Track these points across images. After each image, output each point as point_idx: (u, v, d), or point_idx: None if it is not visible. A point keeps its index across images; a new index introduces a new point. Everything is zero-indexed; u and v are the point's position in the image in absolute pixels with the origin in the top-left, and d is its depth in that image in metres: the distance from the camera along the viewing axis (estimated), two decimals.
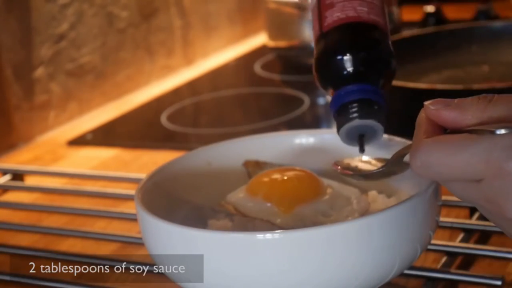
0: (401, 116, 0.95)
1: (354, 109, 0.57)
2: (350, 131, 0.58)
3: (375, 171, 0.59)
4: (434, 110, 0.49)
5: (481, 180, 0.46)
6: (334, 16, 0.59)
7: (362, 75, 0.58)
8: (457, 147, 0.46)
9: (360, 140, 0.58)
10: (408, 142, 0.65)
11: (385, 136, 0.67)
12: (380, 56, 0.59)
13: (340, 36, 0.59)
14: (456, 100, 0.49)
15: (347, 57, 0.58)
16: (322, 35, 0.60)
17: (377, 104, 0.57)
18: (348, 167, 0.62)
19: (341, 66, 0.58)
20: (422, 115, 0.50)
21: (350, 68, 0.58)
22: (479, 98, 0.48)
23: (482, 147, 0.45)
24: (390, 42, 0.60)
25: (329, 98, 0.60)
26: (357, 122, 0.57)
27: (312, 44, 0.61)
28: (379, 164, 0.60)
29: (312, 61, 0.61)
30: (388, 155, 0.65)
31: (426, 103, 0.50)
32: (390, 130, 0.71)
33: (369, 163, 0.62)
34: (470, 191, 0.47)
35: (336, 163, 0.63)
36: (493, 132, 0.44)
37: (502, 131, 0.44)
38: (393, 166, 0.58)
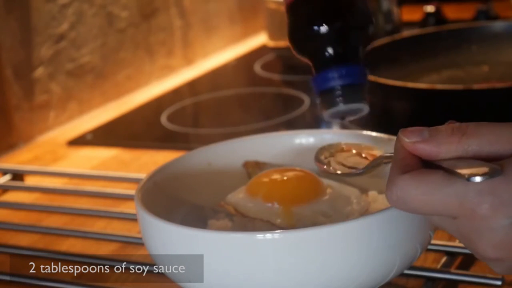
0: (400, 116, 0.95)
1: (338, 95, 0.57)
2: (335, 114, 0.58)
3: (353, 173, 0.59)
4: (409, 143, 0.49)
5: (456, 218, 0.47)
6: None
7: (345, 53, 0.57)
8: (432, 186, 0.46)
9: (342, 119, 0.59)
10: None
11: (385, 136, 0.67)
12: (364, 26, 0.58)
13: (323, 6, 0.58)
14: (429, 131, 0.49)
15: (325, 30, 0.57)
16: (299, 0, 0.58)
17: (358, 86, 0.57)
18: (329, 164, 0.62)
19: (320, 41, 0.57)
20: (398, 144, 0.50)
21: (331, 45, 0.57)
22: (453, 130, 0.48)
23: (456, 190, 0.45)
24: (365, 3, 0.59)
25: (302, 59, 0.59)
26: (341, 107, 0.57)
27: None
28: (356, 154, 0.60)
29: (287, 29, 0.59)
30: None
31: (400, 134, 0.49)
32: (390, 130, 0.71)
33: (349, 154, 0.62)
34: (447, 224, 0.48)
35: (318, 160, 0.62)
36: (467, 179, 0.44)
37: (476, 179, 0.44)
38: (373, 169, 0.58)
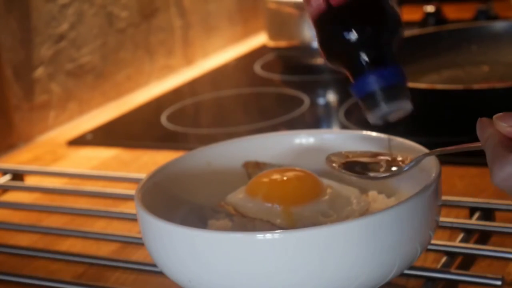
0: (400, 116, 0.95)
1: (380, 97, 0.57)
2: (379, 115, 0.58)
3: (384, 176, 0.61)
4: (508, 127, 0.50)
5: None
6: None
7: (382, 56, 0.58)
8: None
9: (388, 121, 0.60)
10: (410, 142, 0.65)
11: (385, 136, 0.68)
12: (396, 29, 0.59)
13: (356, 15, 0.58)
14: None
15: (360, 38, 0.57)
16: (330, 10, 0.58)
17: (398, 85, 0.58)
18: (345, 165, 0.63)
19: (360, 48, 0.58)
20: (490, 130, 0.51)
21: (365, 51, 0.58)
22: None
23: None
24: (393, 6, 0.59)
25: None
26: (385, 108, 0.57)
27: (313, 43, 0.61)
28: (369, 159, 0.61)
29: (319, 39, 0.59)
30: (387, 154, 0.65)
31: (496, 120, 0.51)
32: (390, 130, 0.71)
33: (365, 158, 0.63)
34: None
35: (331, 160, 0.63)
36: None
37: None
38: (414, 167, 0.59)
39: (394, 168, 0.62)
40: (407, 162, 0.61)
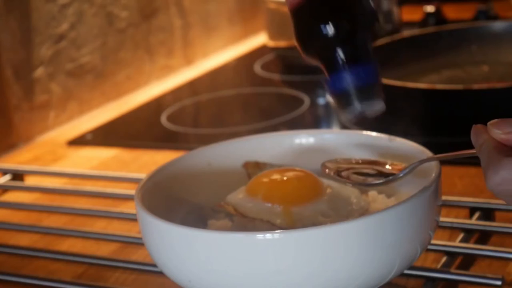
0: (401, 116, 0.95)
1: (354, 95, 0.57)
2: (352, 113, 0.58)
3: (378, 183, 0.62)
4: (502, 134, 0.50)
5: None
6: None
7: (357, 54, 0.58)
8: None
9: (360, 118, 0.60)
10: (410, 142, 0.66)
11: (385, 136, 0.68)
12: (373, 26, 0.59)
13: (333, 7, 0.58)
14: None
15: (336, 32, 0.57)
16: (307, 2, 0.58)
17: (372, 84, 0.57)
18: (342, 172, 0.63)
19: (336, 44, 0.57)
20: (485, 136, 0.51)
21: (341, 46, 0.57)
22: None
23: None
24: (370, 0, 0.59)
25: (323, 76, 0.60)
26: (358, 107, 0.57)
27: None
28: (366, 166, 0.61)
29: (295, 32, 0.59)
30: (387, 155, 0.66)
31: (491, 127, 0.51)
32: (390, 130, 0.71)
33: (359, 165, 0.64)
34: None
35: (326, 167, 0.64)
36: None
37: None
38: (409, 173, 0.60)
39: (388, 174, 0.62)
40: (401, 168, 0.61)
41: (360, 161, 0.65)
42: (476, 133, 0.52)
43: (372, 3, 0.59)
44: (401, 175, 0.61)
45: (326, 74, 0.59)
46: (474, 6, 1.45)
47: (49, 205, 0.88)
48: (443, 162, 0.61)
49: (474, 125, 0.53)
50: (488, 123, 0.52)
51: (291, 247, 0.53)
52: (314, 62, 0.60)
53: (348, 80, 0.57)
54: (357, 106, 0.58)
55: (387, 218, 0.54)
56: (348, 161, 0.65)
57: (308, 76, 1.27)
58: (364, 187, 0.64)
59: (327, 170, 0.64)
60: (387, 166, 0.63)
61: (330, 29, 0.57)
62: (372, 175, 0.63)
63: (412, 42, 1.16)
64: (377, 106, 0.58)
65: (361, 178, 0.63)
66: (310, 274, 0.53)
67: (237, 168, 0.70)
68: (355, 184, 0.63)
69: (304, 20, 0.59)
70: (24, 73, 1.12)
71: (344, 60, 0.57)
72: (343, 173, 0.64)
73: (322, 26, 0.57)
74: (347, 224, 0.53)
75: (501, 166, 0.48)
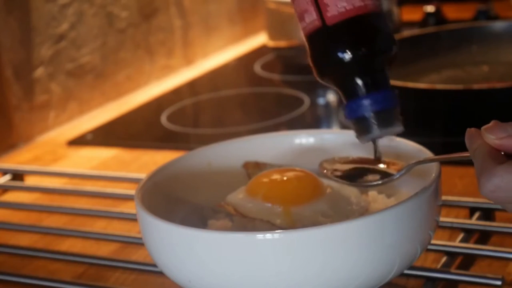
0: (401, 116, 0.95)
1: (373, 121, 0.57)
2: (371, 138, 0.58)
3: (375, 184, 0.62)
4: (496, 140, 0.50)
5: None
6: (339, 6, 0.56)
7: (376, 80, 0.57)
8: None
9: (376, 145, 0.60)
10: (410, 142, 0.66)
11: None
12: (391, 51, 0.58)
13: (352, 34, 0.56)
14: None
15: (354, 59, 0.56)
16: (325, 28, 0.57)
17: (391, 109, 0.57)
18: (337, 172, 0.63)
19: (354, 70, 0.57)
20: (478, 141, 0.51)
21: (360, 72, 0.57)
22: None
23: None
24: (388, 25, 0.58)
25: (330, 97, 0.60)
26: (377, 132, 0.57)
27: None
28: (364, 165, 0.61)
29: (311, 56, 0.59)
30: (387, 155, 0.66)
31: (484, 132, 0.51)
32: None
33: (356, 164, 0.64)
34: None
35: (323, 167, 0.64)
36: None
37: None
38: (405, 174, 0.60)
39: (385, 175, 0.62)
40: (398, 169, 0.61)
41: (358, 160, 0.65)
42: (470, 138, 0.52)
43: (389, 28, 0.58)
44: (396, 176, 0.61)
45: (344, 100, 0.58)
46: (474, 6, 1.45)
47: (49, 205, 0.88)
48: (443, 162, 0.61)
49: (468, 129, 0.53)
50: (482, 128, 0.51)
51: (291, 247, 0.53)
52: (330, 86, 0.59)
53: (366, 106, 0.57)
54: (376, 131, 0.57)
55: (387, 218, 0.54)
56: (346, 160, 0.65)
57: (308, 76, 1.26)
58: (360, 187, 0.64)
59: (325, 171, 0.64)
60: (386, 166, 0.63)
61: (348, 56, 0.56)
62: (370, 175, 0.63)
63: (412, 42, 1.15)
64: (396, 130, 0.58)
65: (358, 178, 0.63)
66: (310, 274, 0.53)
67: (237, 168, 0.70)
68: (351, 184, 0.63)
69: (321, 46, 0.58)
70: (24, 73, 1.12)
71: (362, 87, 0.57)
72: (340, 173, 0.63)
73: (340, 53, 0.56)
74: (347, 224, 0.53)
75: (494, 174, 0.48)
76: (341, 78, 0.58)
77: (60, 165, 1.03)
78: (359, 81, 0.57)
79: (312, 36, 0.58)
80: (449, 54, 1.15)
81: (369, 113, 0.57)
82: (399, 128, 0.58)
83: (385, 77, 0.58)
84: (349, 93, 0.58)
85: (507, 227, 0.70)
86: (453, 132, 0.92)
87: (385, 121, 0.57)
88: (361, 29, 0.57)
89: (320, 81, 0.59)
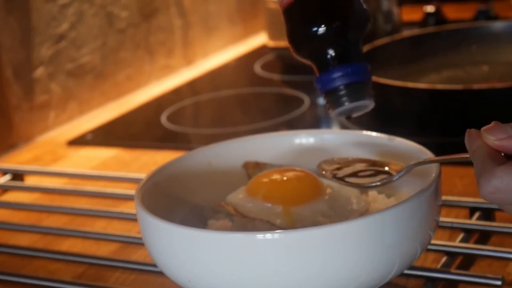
0: (400, 116, 0.95)
1: (343, 94, 0.57)
2: (341, 112, 0.58)
3: (374, 185, 0.62)
4: (496, 141, 0.50)
5: None
6: None
7: (348, 53, 0.58)
8: None
9: (348, 117, 0.60)
10: (410, 142, 0.66)
11: (385, 136, 0.68)
12: (364, 26, 0.59)
13: (324, 7, 0.58)
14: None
15: (326, 31, 0.57)
16: (299, 2, 0.58)
17: (363, 83, 0.57)
18: (338, 172, 0.64)
19: (327, 43, 0.57)
20: (478, 142, 0.51)
21: (332, 45, 0.57)
22: None
23: None
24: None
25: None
26: (348, 105, 0.58)
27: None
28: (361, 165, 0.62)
29: (287, 31, 0.59)
30: (387, 155, 0.66)
31: (484, 133, 0.51)
32: (390, 130, 0.71)
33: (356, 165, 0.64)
34: None
35: (322, 168, 0.64)
36: None
37: None
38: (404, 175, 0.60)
39: (384, 176, 0.62)
40: (398, 169, 0.61)
41: (357, 161, 0.65)
42: (470, 138, 0.52)
43: (363, 3, 0.59)
44: (396, 177, 0.61)
45: (317, 73, 0.59)
46: (474, 6, 1.45)
47: (49, 205, 0.88)
48: (443, 162, 0.61)
49: (468, 130, 0.53)
50: (482, 129, 0.51)
51: (291, 247, 0.53)
52: (305, 61, 0.60)
53: (338, 79, 0.57)
54: (346, 104, 0.58)
55: (387, 218, 0.54)
56: (345, 160, 0.65)
57: (308, 76, 1.26)
58: (360, 188, 0.64)
59: (323, 172, 0.64)
60: (385, 167, 0.63)
61: (320, 29, 0.57)
62: (369, 175, 0.63)
63: (412, 42, 1.16)
64: (366, 105, 0.58)
65: (357, 179, 0.63)
66: (310, 274, 0.53)
67: (237, 168, 0.70)
68: (350, 185, 0.63)
69: (295, 20, 0.59)
70: (24, 73, 1.12)
71: (335, 59, 0.58)
72: (339, 174, 0.64)
73: (312, 25, 0.57)
74: (347, 224, 0.53)
75: (493, 175, 0.48)
76: (314, 51, 0.58)
77: (60, 165, 1.03)
78: (330, 54, 0.58)
79: (287, 11, 0.60)
80: (449, 54, 1.15)
81: (339, 86, 0.57)
82: (370, 103, 0.58)
83: (357, 51, 0.58)
84: (321, 67, 0.58)
85: (507, 227, 0.70)
86: (453, 132, 0.92)
87: (355, 95, 0.57)
88: (335, 3, 0.58)
89: (297, 56, 0.60)
